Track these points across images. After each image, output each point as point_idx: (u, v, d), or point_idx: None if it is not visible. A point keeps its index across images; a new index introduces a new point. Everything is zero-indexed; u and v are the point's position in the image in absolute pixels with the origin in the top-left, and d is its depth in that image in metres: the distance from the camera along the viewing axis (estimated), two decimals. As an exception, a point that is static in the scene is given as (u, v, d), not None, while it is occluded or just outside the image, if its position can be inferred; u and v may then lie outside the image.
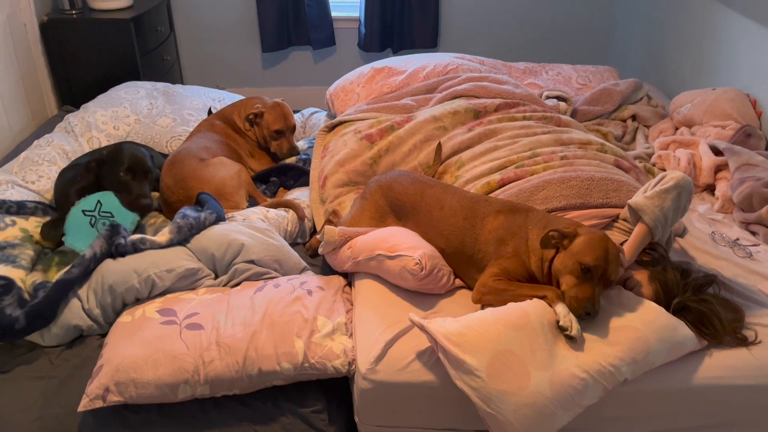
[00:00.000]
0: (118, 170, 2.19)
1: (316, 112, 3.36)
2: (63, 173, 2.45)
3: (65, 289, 1.96)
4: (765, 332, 1.82)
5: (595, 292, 1.69)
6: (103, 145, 2.87)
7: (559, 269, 1.76)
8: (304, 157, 2.86)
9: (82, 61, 3.48)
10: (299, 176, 2.76)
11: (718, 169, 2.56)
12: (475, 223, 1.95)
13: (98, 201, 2.18)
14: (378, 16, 4.14)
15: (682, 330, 1.73)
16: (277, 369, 1.78)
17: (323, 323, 1.88)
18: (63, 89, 3.54)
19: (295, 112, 3.38)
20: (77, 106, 3.20)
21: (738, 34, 3.06)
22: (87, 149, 2.84)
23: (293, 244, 2.38)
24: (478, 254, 1.92)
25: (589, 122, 3.04)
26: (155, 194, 2.59)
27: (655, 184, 1.89)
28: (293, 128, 2.87)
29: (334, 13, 4.24)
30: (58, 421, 1.77)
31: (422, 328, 1.68)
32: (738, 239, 2.25)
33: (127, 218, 2.20)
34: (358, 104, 2.97)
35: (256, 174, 2.75)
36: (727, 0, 3.11)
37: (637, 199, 1.86)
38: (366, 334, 1.81)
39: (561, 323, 1.68)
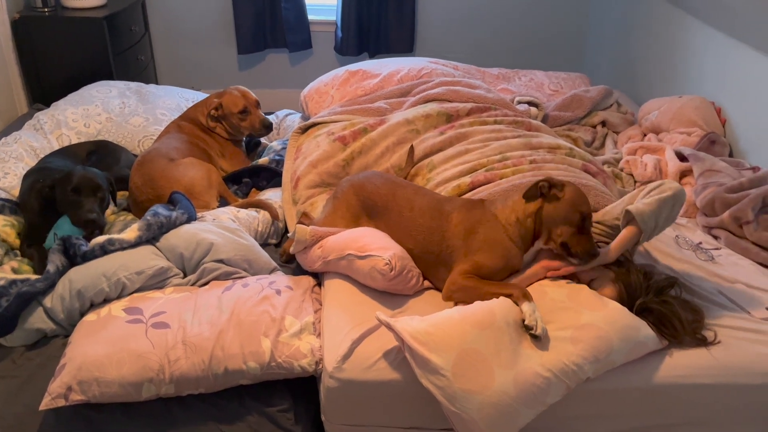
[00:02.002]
0: (67, 190, 2.19)
1: (290, 113, 3.37)
2: (28, 174, 2.42)
3: (28, 302, 1.94)
4: (724, 333, 1.86)
5: (591, 235, 1.87)
6: (73, 142, 2.84)
7: (553, 219, 1.84)
8: (277, 158, 2.86)
9: (54, 60, 3.44)
10: (272, 177, 2.75)
11: (683, 174, 2.62)
12: (441, 222, 1.98)
13: (54, 234, 2.18)
14: (355, 20, 4.16)
15: (644, 330, 1.76)
16: (244, 368, 1.78)
17: (291, 323, 1.88)
18: (34, 87, 3.49)
19: (270, 113, 3.39)
20: (48, 105, 3.17)
21: (704, 44, 3.13)
22: (56, 146, 2.81)
23: (264, 245, 2.38)
24: (447, 250, 1.94)
25: (559, 128, 3.08)
26: (121, 194, 2.57)
27: (650, 191, 1.92)
28: (256, 103, 2.83)
29: (310, 17, 4.25)
30: (18, 421, 1.75)
31: (389, 327, 1.69)
32: (700, 243, 2.30)
33: (72, 232, 2.17)
34: (331, 106, 2.98)
35: (228, 174, 2.74)
36: (695, 11, 3.18)
37: (637, 205, 1.89)
38: (333, 332, 1.82)
39: (527, 322, 1.71)
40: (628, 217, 1.89)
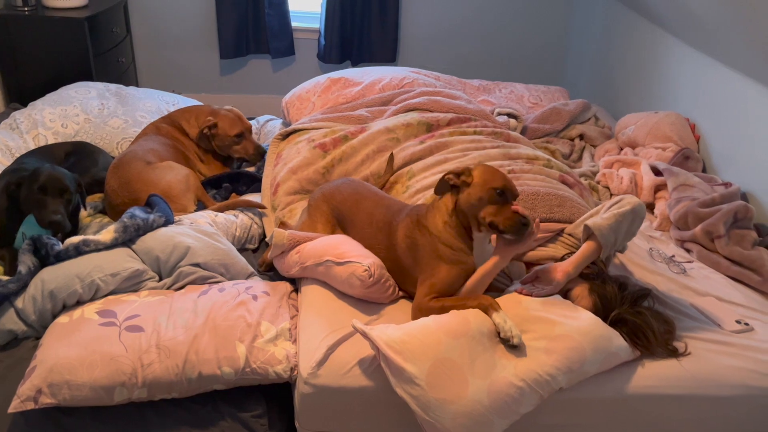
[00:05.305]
0: (33, 188, 2.15)
1: (271, 119, 3.37)
2: (2, 175, 2.37)
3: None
4: (694, 345, 1.89)
5: (517, 207, 1.81)
6: (49, 142, 2.81)
7: (472, 204, 1.81)
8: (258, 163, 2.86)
9: (33, 59, 3.40)
10: (251, 182, 2.75)
11: (658, 188, 2.66)
12: (391, 239, 1.98)
13: (22, 233, 2.14)
14: (338, 28, 4.17)
15: (617, 340, 1.78)
16: (218, 373, 1.76)
17: (267, 328, 1.87)
18: (11, 87, 3.45)
19: (251, 119, 3.38)
20: (25, 104, 3.13)
21: (680, 61, 3.20)
22: (32, 146, 2.78)
23: (241, 250, 2.37)
24: (405, 267, 1.95)
25: (538, 140, 3.12)
26: (98, 196, 2.54)
27: (611, 206, 1.95)
28: (250, 129, 2.86)
29: (294, 23, 4.25)
30: (-14, 423, 1.72)
31: (364, 335, 1.69)
32: (673, 256, 2.34)
33: (40, 232, 2.14)
34: (313, 113, 2.99)
35: (207, 179, 2.73)
36: (673, 30, 3.25)
37: (596, 220, 1.91)
38: (309, 338, 1.81)
39: (502, 336, 1.71)
40: (588, 232, 1.91)
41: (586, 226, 1.91)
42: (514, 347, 1.71)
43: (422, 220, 1.91)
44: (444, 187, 1.86)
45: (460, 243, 1.86)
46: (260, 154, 2.83)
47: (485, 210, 1.80)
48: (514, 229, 1.78)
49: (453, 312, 1.76)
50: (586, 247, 1.90)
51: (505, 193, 1.81)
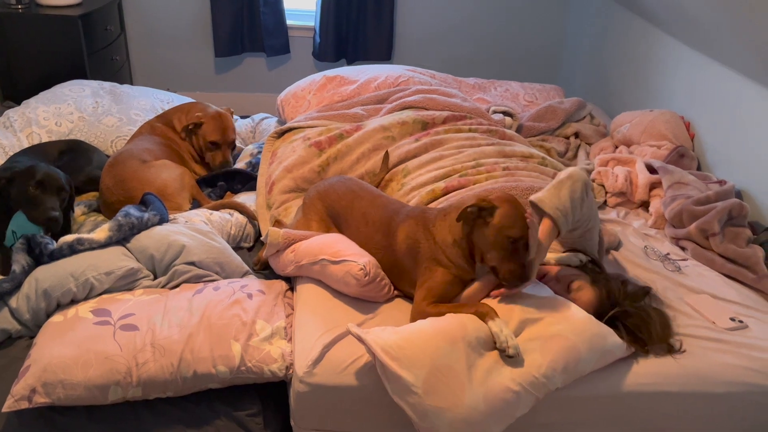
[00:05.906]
0: (28, 184, 2.12)
1: (266, 117, 3.36)
2: None
3: None
4: (689, 342, 1.89)
5: (524, 259, 1.76)
6: (43, 141, 2.80)
7: (483, 243, 1.78)
8: (253, 161, 2.85)
9: (26, 58, 3.39)
10: (247, 181, 2.74)
11: (653, 186, 2.66)
12: (390, 240, 1.97)
13: (12, 231, 2.13)
14: (333, 26, 4.17)
15: (611, 338, 1.78)
16: (213, 372, 1.76)
17: (262, 327, 1.87)
18: (5, 85, 3.43)
19: (246, 117, 3.38)
20: (19, 103, 3.11)
21: (676, 60, 3.20)
22: (26, 145, 2.77)
23: (236, 248, 2.37)
24: (404, 269, 1.94)
25: (534, 138, 3.12)
26: (92, 194, 2.54)
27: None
28: (231, 143, 2.81)
29: (289, 22, 4.24)
30: (-20, 423, 1.71)
31: (360, 339, 1.67)
32: (668, 254, 2.35)
33: (30, 229, 2.12)
34: (308, 111, 2.98)
35: (203, 177, 2.72)
36: (668, 28, 3.25)
37: (537, 194, 1.87)
38: (305, 337, 1.81)
39: (498, 346, 1.71)
40: (535, 209, 1.86)
41: (532, 203, 1.86)
42: (510, 357, 1.69)
43: (430, 227, 1.89)
44: (465, 216, 1.80)
45: (463, 263, 1.85)
46: (223, 167, 2.76)
47: (492, 254, 1.78)
48: (512, 283, 1.78)
49: (450, 315, 1.76)
50: (543, 225, 1.83)
51: (517, 243, 1.76)
